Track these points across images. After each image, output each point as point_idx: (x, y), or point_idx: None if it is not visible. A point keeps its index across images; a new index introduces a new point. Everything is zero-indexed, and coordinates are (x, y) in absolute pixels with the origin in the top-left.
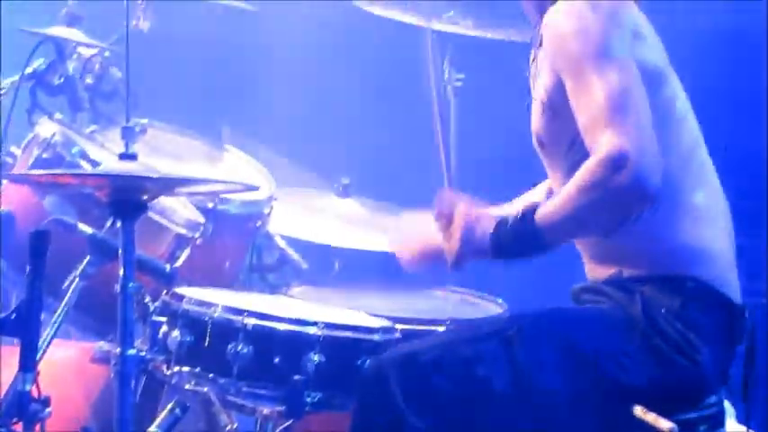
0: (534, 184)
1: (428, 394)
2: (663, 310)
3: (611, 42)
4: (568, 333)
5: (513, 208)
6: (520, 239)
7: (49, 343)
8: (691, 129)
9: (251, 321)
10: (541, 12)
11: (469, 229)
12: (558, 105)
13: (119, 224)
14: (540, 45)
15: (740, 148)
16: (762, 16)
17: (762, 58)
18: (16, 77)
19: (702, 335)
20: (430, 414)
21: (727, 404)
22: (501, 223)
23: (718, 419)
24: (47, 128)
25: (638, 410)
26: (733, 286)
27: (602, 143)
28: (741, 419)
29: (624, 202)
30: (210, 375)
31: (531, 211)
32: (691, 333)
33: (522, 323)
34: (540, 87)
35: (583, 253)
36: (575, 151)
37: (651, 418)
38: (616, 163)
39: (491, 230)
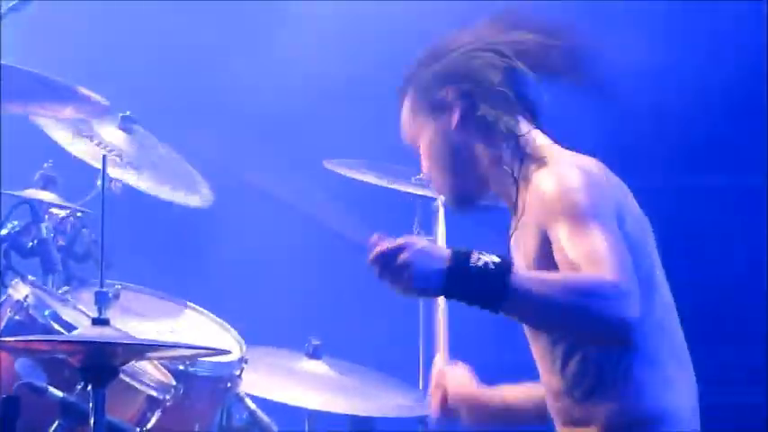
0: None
1: None
2: None
3: (602, 204)
4: None
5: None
6: (484, 278)
7: None
8: (663, 297)
9: None
10: (516, 181)
11: (422, 248)
12: (544, 268)
13: (89, 388)
14: (521, 213)
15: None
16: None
17: None
18: None
19: None
20: None
21: None
22: (460, 253)
23: None
24: (19, 290)
25: None
26: None
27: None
28: None
29: (604, 325)
30: None
31: (509, 260)
32: None
33: None
34: (526, 255)
35: (555, 418)
36: None
37: None
38: (618, 290)
39: (447, 253)
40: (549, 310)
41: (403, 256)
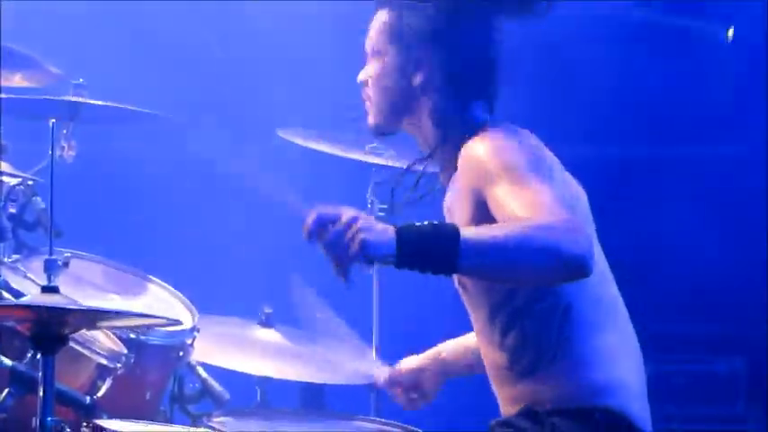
0: None
1: None
2: None
3: (536, 159)
4: None
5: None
6: (431, 240)
7: None
8: (601, 268)
9: None
10: (450, 145)
11: (367, 220)
12: None
13: (39, 356)
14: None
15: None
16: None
17: None
18: None
19: None
20: None
21: None
22: (406, 224)
23: None
24: None
25: None
26: (641, 415)
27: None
28: None
29: (563, 259)
30: None
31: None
32: None
33: None
34: (457, 212)
35: (498, 395)
36: (497, 288)
37: None
38: (565, 225)
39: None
40: (504, 250)
41: (354, 227)
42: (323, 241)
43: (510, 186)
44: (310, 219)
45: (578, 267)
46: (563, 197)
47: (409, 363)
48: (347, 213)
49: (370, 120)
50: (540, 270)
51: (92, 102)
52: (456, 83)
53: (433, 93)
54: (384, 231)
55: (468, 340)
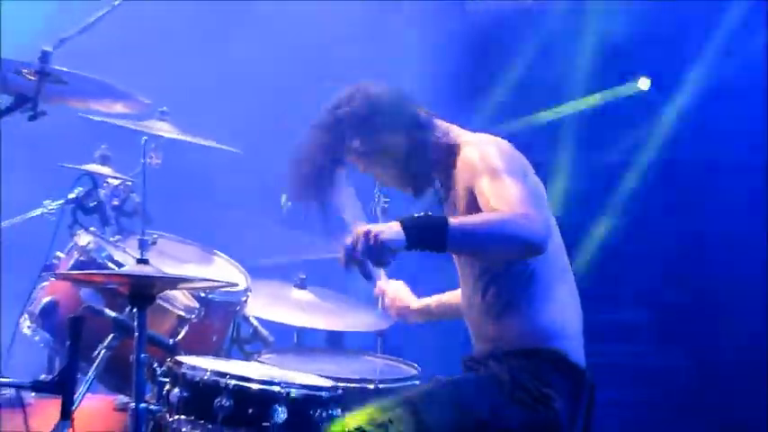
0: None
1: None
2: (525, 373)
3: (512, 164)
4: (457, 397)
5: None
6: (427, 229)
7: (83, 397)
8: (557, 240)
9: (232, 382)
10: (446, 162)
11: (376, 226)
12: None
13: (135, 310)
14: (451, 185)
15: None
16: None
17: None
18: (61, 201)
19: (556, 390)
20: None
21: None
22: (407, 218)
23: None
24: (83, 238)
25: None
26: (579, 354)
27: (515, 209)
28: None
29: (519, 241)
30: (201, 422)
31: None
32: (546, 388)
33: (426, 392)
34: (457, 205)
35: (475, 338)
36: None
37: None
38: (526, 216)
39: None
40: (479, 236)
41: (372, 234)
42: (358, 259)
43: (490, 184)
44: (341, 254)
45: (535, 249)
46: (528, 193)
47: (408, 301)
48: (360, 230)
49: (414, 194)
50: (506, 251)
51: (179, 137)
52: (422, 142)
53: (415, 151)
54: (392, 228)
55: (448, 298)
